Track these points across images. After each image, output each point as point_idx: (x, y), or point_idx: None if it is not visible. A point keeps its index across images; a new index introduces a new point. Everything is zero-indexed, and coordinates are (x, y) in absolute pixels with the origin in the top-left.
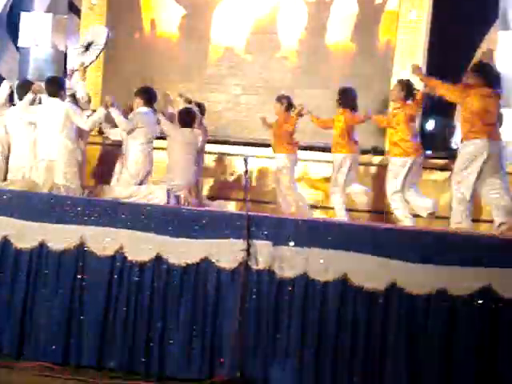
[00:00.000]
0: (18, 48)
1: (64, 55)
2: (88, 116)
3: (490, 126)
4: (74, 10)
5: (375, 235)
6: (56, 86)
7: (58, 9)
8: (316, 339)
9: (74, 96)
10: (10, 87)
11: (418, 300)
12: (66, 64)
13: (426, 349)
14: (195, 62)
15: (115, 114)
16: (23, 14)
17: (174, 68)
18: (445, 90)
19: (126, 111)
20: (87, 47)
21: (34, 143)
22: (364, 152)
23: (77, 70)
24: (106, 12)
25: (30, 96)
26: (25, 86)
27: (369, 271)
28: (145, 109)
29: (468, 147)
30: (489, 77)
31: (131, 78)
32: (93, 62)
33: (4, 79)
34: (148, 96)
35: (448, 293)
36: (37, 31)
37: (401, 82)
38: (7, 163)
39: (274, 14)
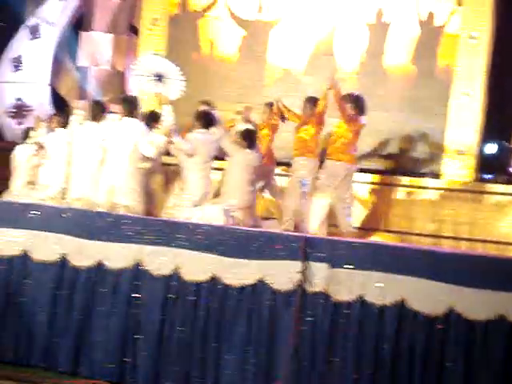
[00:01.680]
0: (77, 68)
1: (122, 75)
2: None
3: None
4: (134, 30)
5: (433, 259)
6: (132, 106)
7: (117, 29)
8: (372, 364)
9: (150, 118)
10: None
11: (476, 326)
12: (124, 84)
13: (485, 375)
14: (253, 82)
15: (176, 139)
16: (83, 34)
17: (232, 89)
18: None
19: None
20: (159, 78)
21: (99, 162)
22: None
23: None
24: (165, 33)
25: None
26: (97, 106)
27: (427, 296)
28: (203, 130)
29: None
30: None
31: (189, 98)
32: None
33: (63, 99)
34: (207, 118)
35: (507, 319)
36: (96, 51)
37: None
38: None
39: (333, 36)
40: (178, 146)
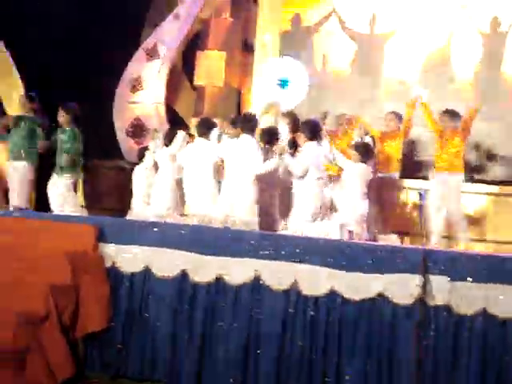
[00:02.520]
0: (193, 86)
1: (238, 92)
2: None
3: None
4: (248, 47)
5: None
6: (251, 123)
7: (231, 47)
8: (496, 378)
9: (267, 135)
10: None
11: None
12: (239, 101)
13: None
14: (368, 96)
15: (289, 160)
16: (198, 53)
17: (347, 103)
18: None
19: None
20: (284, 84)
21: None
22: None
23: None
24: (279, 49)
25: (215, 133)
26: (206, 124)
27: None
28: (311, 143)
29: None
30: None
31: (304, 113)
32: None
33: (181, 118)
34: (313, 129)
35: None
36: (211, 69)
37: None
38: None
39: (448, 47)
40: (290, 168)
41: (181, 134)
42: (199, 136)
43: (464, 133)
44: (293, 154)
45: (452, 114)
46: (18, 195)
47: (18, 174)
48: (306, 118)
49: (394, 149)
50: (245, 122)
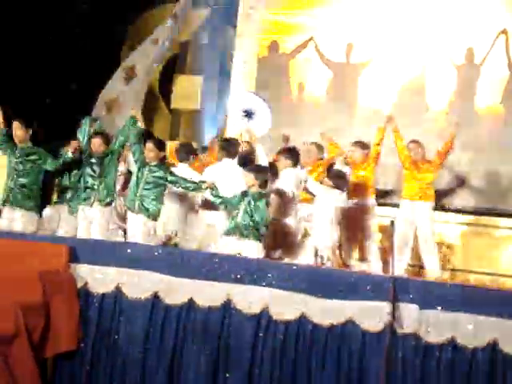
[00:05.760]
0: (170, 110)
1: (214, 117)
2: None
3: None
4: (225, 72)
5: None
6: (232, 148)
7: (209, 71)
8: None
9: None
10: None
11: None
12: (217, 125)
13: None
14: (343, 124)
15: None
16: (175, 76)
17: (321, 129)
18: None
19: None
20: (249, 115)
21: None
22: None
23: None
24: (256, 75)
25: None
26: (187, 149)
27: None
28: (291, 169)
29: None
30: None
31: (278, 139)
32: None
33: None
34: (295, 156)
35: None
36: (188, 93)
37: None
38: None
39: (423, 77)
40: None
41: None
42: (180, 161)
43: (438, 166)
44: (272, 179)
45: (419, 144)
46: None
47: None
48: (289, 146)
49: (365, 177)
50: (227, 147)
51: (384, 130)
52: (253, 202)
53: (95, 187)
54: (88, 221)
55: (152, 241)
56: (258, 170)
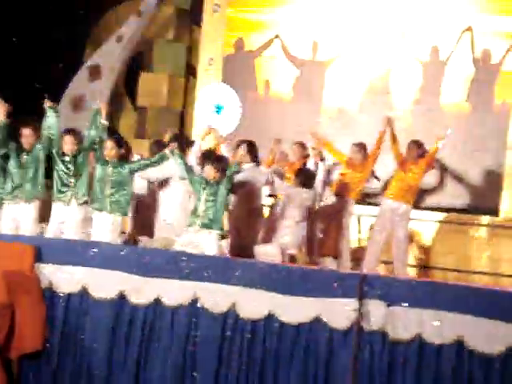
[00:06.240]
0: (136, 107)
1: (180, 115)
2: None
3: None
4: (191, 69)
5: (492, 298)
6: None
7: (175, 69)
8: None
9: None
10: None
11: None
12: (182, 125)
13: None
14: (308, 121)
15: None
16: (142, 74)
17: (287, 127)
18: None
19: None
20: (218, 110)
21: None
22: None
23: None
24: (222, 72)
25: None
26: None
27: (485, 335)
28: (252, 165)
29: None
30: None
31: (245, 136)
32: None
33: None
34: (254, 150)
35: None
36: (154, 91)
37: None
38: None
39: (388, 74)
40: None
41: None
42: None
43: (427, 168)
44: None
45: (419, 145)
46: None
47: None
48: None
49: (358, 179)
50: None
51: (384, 132)
52: (213, 189)
53: (71, 185)
54: (60, 220)
55: (120, 239)
56: (216, 160)
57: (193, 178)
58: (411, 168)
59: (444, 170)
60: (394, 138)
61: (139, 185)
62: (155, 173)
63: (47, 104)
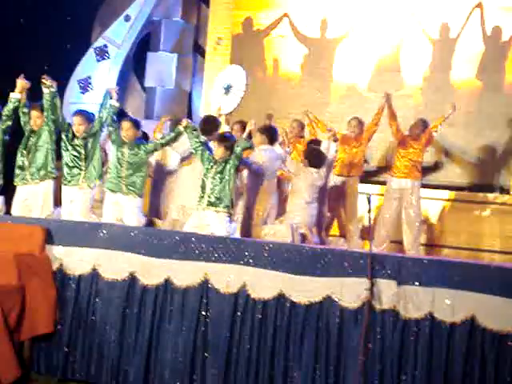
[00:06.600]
0: (144, 88)
1: (189, 95)
2: None
3: None
4: (199, 49)
5: (503, 275)
6: (212, 126)
7: (182, 49)
8: (442, 381)
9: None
10: None
11: None
12: (190, 103)
13: None
14: (317, 100)
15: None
16: (149, 55)
17: (296, 106)
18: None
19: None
20: (227, 90)
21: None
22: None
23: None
24: (230, 52)
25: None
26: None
27: (497, 313)
28: (267, 146)
29: None
30: None
31: (254, 116)
32: (234, 109)
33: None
34: (271, 134)
35: None
36: (162, 71)
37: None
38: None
39: (398, 52)
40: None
41: None
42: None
43: (427, 143)
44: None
45: (426, 125)
46: None
47: None
48: (267, 124)
49: (356, 154)
50: (205, 125)
51: (382, 108)
52: (220, 167)
53: (82, 168)
54: (70, 202)
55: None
56: (224, 139)
57: (204, 154)
58: (411, 144)
59: (451, 147)
60: (392, 115)
61: (174, 161)
62: (183, 146)
63: (44, 81)
